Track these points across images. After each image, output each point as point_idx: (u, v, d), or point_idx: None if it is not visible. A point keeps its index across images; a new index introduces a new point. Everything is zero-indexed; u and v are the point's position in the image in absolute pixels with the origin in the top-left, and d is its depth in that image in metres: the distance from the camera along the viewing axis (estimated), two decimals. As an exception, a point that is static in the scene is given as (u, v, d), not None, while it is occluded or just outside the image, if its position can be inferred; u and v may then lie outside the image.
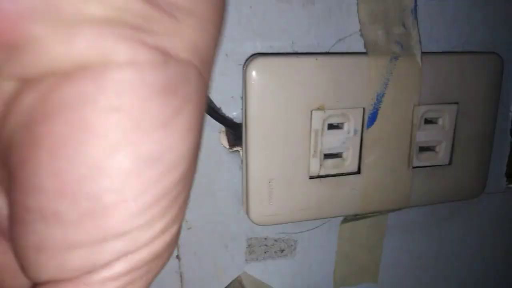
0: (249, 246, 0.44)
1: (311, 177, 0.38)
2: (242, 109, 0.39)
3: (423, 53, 0.39)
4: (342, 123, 0.37)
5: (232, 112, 0.39)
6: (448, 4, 0.39)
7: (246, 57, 0.37)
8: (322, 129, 0.36)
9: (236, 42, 0.37)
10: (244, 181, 0.38)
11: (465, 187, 0.44)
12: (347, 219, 0.45)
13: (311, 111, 0.36)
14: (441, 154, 0.41)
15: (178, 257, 0.43)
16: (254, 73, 0.34)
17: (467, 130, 0.41)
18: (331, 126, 0.37)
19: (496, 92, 0.41)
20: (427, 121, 0.40)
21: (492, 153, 0.46)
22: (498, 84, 0.40)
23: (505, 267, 0.54)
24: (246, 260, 0.45)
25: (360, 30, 0.37)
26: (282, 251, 0.45)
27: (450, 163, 0.42)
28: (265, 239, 0.44)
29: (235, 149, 0.40)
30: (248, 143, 0.36)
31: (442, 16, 0.39)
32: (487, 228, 0.51)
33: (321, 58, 0.35)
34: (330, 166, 0.38)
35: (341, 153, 0.39)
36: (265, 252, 0.45)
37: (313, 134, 0.36)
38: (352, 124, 0.37)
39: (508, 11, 0.41)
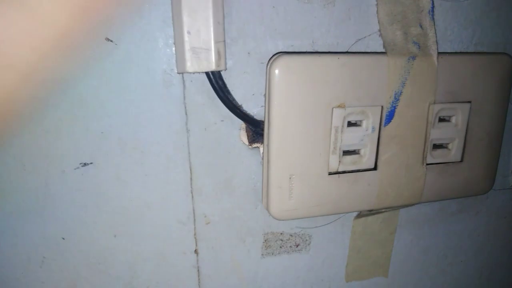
0: (265, 241, 0.45)
1: (330, 173, 0.39)
2: (263, 106, 0.39)
3: (438, 53, 0.40)
4: (361, 121, 0.38)
5: (253, 110, 0.39)
6: (462, 6, 0.40)
7: (268, 55, 0.38)
8: (342, 126, 0.37)
9: (259, 41, 0.37)
10: (265, 177, 0.39)
11: (475, 184, 0.45)
12: (360, 215, 0.47)
13: (332, 109, 0.37)
14: (454, 152, 0.42)
15: (196, 251, 0.44)
16: (277, 71, 0.35)
17: (479, 128, 0.42)
18: (350, 124, 0.38)
19: (506, 92, 0.42)
20: (441, 119, 0.41)
21: (500, 151, 0.48)
22: (508, 84, 0.42)
23: (511, 259, 0.56)
24: (262, 254, 0.46)
25: (379, 30, 0.38)
26: (297, 245, 0.46)
27: (461, 160, 0.43)
28: (281, 234, 0.45)
29: (254, 145, 0.41)
30: (271, 140, 0.37)
31: (456, 17, 0.41)
32: (493, 223, 0.52)
33: (342, 57, 0.36)
34: (349, 162, 0.39)
35: (359, 149, 0.40)
36: (280, 247, 0.46)
37: (333, 131, 0.37)
38: (370, 121, 0.38)
39: (519, 13, 0.42)
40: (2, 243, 0.40)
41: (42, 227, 0.40)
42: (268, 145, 0.37)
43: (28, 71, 0.35)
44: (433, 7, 0.37)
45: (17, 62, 0.35)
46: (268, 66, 0.36)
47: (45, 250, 0.41)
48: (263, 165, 0.40)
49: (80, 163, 0.38)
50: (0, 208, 0.39)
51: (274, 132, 0.36)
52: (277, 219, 0.40)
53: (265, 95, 0.38)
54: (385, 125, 0.39)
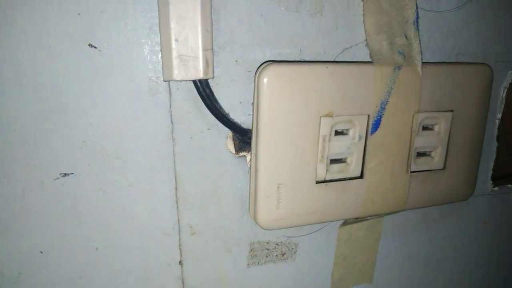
0: (251, 250, 0.45)
1: (318, 182, 0.39)
2: (250, 114, 0.39)
3: (422, 63, 0.41)
4: (348, 129, 0.39)
5: (240, 118, 0.39)
6: (444, 17, 0.41)
7: (255, 63, 0.38)
8: (330, 135, 0.37)
9: (246, 49, 0.37)
10: (253, 186, 0.38)
11: (457, 190, 0.46)
12: (345, 222, 0.47)
13: (320, 118, 0.37)
14: (437, 159, 0.43)
15: (180, 262, 0.43)
16: (266, 80, 0.35)
17: (460, 136, 0.43)
18: (337, 132, 0.39)
19: (486, 101, 0.43)
20: (424, 128, 0.42)
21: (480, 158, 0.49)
22: (488, 93, 0.43)
23: (490, 265, 0.57)
24: (248, 264, 0.45)
25: (366, 40, 0.38)
26: (283, 254, 0.46)
27: (444, 167, 0.44)
28: (267, 243, 0.45)
29: (241, 154, 0.40)
30: (259, 149, 0.36)
31: (438, 28, 0.42)
32: (474, 228, 0.54)
33: (331, 66, 0.36)
34: (336, 171, 0.39)
35: (346, 158, 0.40)
36: (266, 256, 0.46)
37: (321, 140, 0.37)
38: (357, 130, 0.38)
39: (498, 25, 0.43)
40: (-25, 258, 0.38)
41: (18, 241, 0.38)
42: (256, 154, 0.37)
43: (4, 77, 0.33)
44: (417, 18, 0.37)
45: (-7, 68, 0.33)
46: (257, 75, 0.35)
47: (21, 265, 0.39)
48: (250, 174, 0.39)
49: (60, 173, 0.37)
50: (-28, 221, 0.37)
51: (262, 141, 0.36)
52: (264, 229, 0.40)
53: (253, 103, 0.37)
54: (371, 134, 0.39)
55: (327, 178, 0.39)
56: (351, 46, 0.39)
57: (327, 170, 0.39)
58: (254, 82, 0.36)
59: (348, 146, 0.39)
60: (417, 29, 0.38)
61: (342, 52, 0.39)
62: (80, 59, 0.34)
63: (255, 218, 0.39)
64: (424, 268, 0.54)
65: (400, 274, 0.53)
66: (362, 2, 0.38)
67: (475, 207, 0.52)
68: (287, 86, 0.35)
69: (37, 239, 0.38)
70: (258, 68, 0.36)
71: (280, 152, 0.37)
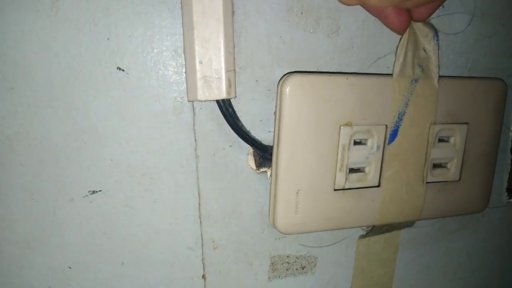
0: (272, 264, 0.45)
1: (336, 190, 0.40)
2: (270, 131, 0.40)
3: (438, 76, 0.42)
4: (366, 139, 0.40)
5: (261, 135, 0.40)
6: (457, 34, 0.43)
7: (275, 83, 0.39)
8: (349, 144, 0.38)
9: (266, 69, 0.39)
10: (273, 192, 0.39)
11: (472, 202, 0.47)
12: (363, 235, 0.47)
13: (340, 127, 0.38)
14: (452, 171, 0.44)
15: (203, 276, 0.44)
16: (288, 89, 0.36)
17: (475, 149, 0.44)
18: (355, 142, 0.40)
19: (500, 113, 0.44)
20: (440, 140, 0.43)
21: (495, 169, 0.50)
22: (502, 107, 0.44)
23: (506, 276, 0.57)
24: (269, 278, 0.46)
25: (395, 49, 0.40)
26: (303, 268, 0.47)
27: (459, 179, 0.45)
28: (288, 256, 0.46)
29: (262, 170, 0.41)
30: (279, 154, 0.37)
31: (451, 46, 0.43)
32: (490, 240, 0.54)
33: (351, 78, 0.37)
34: (354, 180, 0.40)
35: (364, 167, 0.41)
36: (287, 270, 0.46)
37: (340, 149, 0.38)
38: (375, 140, 0.39)
39: (509, 41, 0.45)
40: (6, 274, 0.39)
41: (48, 256, 0.39)
42: (277, 161, 0.38)
43: (39, 99, 0.35)
44: (436, 32, 0.39)
45: (27, 90, 0.35)
46: (279, 85, 0.37)
47: (51, 280, 0.40)
48: (270, 183, 0.40)
49: (89, 191, 0.38)
50: (5, 238, 0.38)
51: (283, 147, 0.37)
52: (282, 233, 0.40)
53: (275, 113, 0.39)
54: (388, 144, 0.40)
55: (346, 187, 0.40)
56: (367, 66, 0.41)
57: (346, 179, 0.40)
58: (277, 92, 0.37)
59: (367, 156, 0.40)
60: (437, 43, 0.39)
61: (357, 71, 0.41)
62: (109, 81, 0.36)
63: (273, 223, 0.40)
64: (441, 280, 0.54)
65: (417, 285, 0.53)
66: (375, 22, 0.40)
67: (491, 219, 0.53)
68: (308, 95, 0.36)
69: (66, 254, 0.40)
70: (280, 79, 0.38)
71: (300, 159, 0.38)
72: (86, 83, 0.36)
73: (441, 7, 0.41)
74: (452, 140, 0.43)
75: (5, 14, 0.33)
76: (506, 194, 0.51)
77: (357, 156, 0.39)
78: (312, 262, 0.47)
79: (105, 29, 0.35)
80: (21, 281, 0.40)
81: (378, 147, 0.40)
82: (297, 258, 0.46)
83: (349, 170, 0.40)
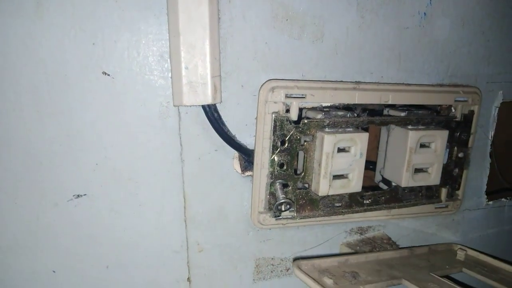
0: (257, 266, 0.46)
1: (322, 197, 0.41)
2: (255, 136, 0.41)
3: (418, 84, 0.43)
4: (349, 147, 0.40)
5: (246, 139, 0.41)
6: (438, 41, 0.44)
7: (259, 88, 0.39)
8: (333, 152, 0.39)
9: (251, 74, 0.39)
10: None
11: (451, 204, 0.48)
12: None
13: (324, 136, 0.38)
14: (433, 175, 0.45)
15: (189, 279, 0.44)
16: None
17: (454, 153, 0.46)
18: (339, 150, 0.40)
19: (477, 120, 0.46)
20: (422, 146, 0.44)
21: (474, 173, 0.51)
22: (478, 113, 0.45)
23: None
24: (253, 280, 0.46)
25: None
26: (287, 269, 0.47)
27: (440, 183, 0.46)
28: (272, 259, 0.46)
29: (247, 173, 0.42)
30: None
31: (433, 52, 0.44)
32: (470, 241, 0.55)
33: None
34: (338, 186, 0.41)
35: (347, 174, 0.41)
36: (271, 272, 0.47)
37: (324, 157, 0.39)
38: (358, 147, 0.40)
39: (488, 49, 0.46)
40: (-11, 278, 0.39)
41: (32, 261, 0.39)
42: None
43: (23, 103, 0.35)
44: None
45: (11, 94, 0.35)
46: (259, 90, 0.38)
47: (35, 285, 0.40)
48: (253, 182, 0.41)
49: (74, 195, 0.38)
50: (-12, 242, 0.38)
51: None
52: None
53: (256, 118, 0.39)
54: (371, 153, 0.41)
55: (330, 193, 0.41)
56: (352, 72, 0.42)
57: (330, 185, 0.40)
58: (258, 97, 0.38)
59: (350, 163, 0.41)
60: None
61: (342, 76, 0.42)
62: (95, 86, 0.36)
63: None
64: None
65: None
66: (359, 29, 0.41)
67: (470, 220, 0.54)
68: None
69: (50, 258, 0.40)
70: (262, 85, 0.38)
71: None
72: (71, 88, 0.36)
73: (423, 15, 0.42)
74: (433, 146, 0.44)
75: (-11, 18, 0.33)
76: (485, 197, 0.53)
77: (340, 163, 0.40)
78: (296, 264, 0.47)
79: (91, 34, 0.35)
80: (4, 286, 0.39)
81: (361, 154, 0.41)
82: (282, 260, 0.47)
83: (333, 177, 0.41)
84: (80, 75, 0.36)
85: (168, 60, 0.37)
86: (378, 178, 0.49)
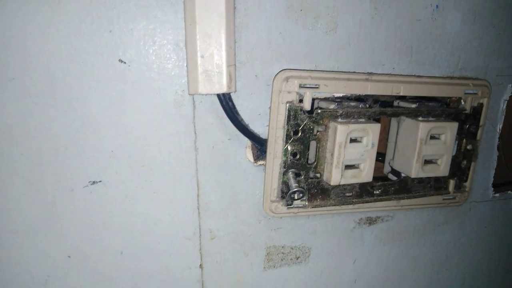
0: (267, 254, 0.47)
1: (333, 187, 0.41)
2: (268, 125, 0.41)
3: (428, 76, 0.44)
4: (362, 137, 0.41)
5: (259, 129, 0.41)
6: (449, 34, 0.44)
7: (273, 78, 0.40)
8: (345, 142, 0.40)
9: (265, 64, 0.39)
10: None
11: (458, 195, 0.49)
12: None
13: (337, 126, 0.39)
14: (442, 166, 0.45)
15: (201, 266, 0.45)
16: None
17: (463, 145, 0.46)
18: (351, 140, 0.41)
19: (485, 112, 0.46)
20: (432, 137, 0.44)
21: (481, 166, 0.52)
22: (487, 106, 0.46)
23: (490, 266, 0.60)
24: (264, 267, 0.47)
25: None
26: (297, 258, 0.48)
27: (448, 174, 0.46)
28: (283, 247, 0.47)
29: (259, 163, 0.42)
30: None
31: (444, 45, 0.44)
32: (475, 233, 0.56)
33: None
34: (350, 176, 0.41)
35: (359, 164, 0.42)
36: (282, 260, 0.48)
37: (336, 147, 0.39)
38: (370, 138, 0.41)
39: (499, 42, 0.46)
40: (6, 262, 0.39)
41: (47, 245, 0.40)
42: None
43: (39, 90, 0.35)
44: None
45: (27, 80, 0.35)
46: (273, 80, 0.38)
47: (50, 269, 0.41)
48: (266, 172, 0.41)
49: (89, 181, 0.39)
50: (5, 227, 0.38)
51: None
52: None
53: (270, 107, 0.40)
54: (382, 144, 0.41)
55: (342, 183, 0.41)
56: (364, 63, 0.42)
57: (341, 175, 0.41)
58: (272, 87, 0.38)
59: (362, 153, 0.41)
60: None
61: (354, 67, 0.42)
62: (111, 73, 0.36)
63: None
64: (429, 271, 0.56)
65: (406, 276, 0.55)
66: (372, 21, 0.41)
67: (477, 212, 0.55)
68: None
69: (66, 244, 0.40)
70: (276, 75, 0.39)
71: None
72: (87, 75, 0.36)
73: (435, 7, 0.43)
74: (442, 137, 0.45)
75: (7, 4, 0.33)
76: (492, 189, 0.53)
77: (352, 153, 0.40)
78: (306, 252, 0.48)
79: (108, 22, 0.35)
80: (20, 269, 0.40)
81: (373, 144, 0.41)
82: (292, 248, 0.47)
83: (345, 167, 0.41)
84: (96, 62, 0.36)
85: (184, 48, 0.37)
86: (387, 169, 0.49)
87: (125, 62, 0.37)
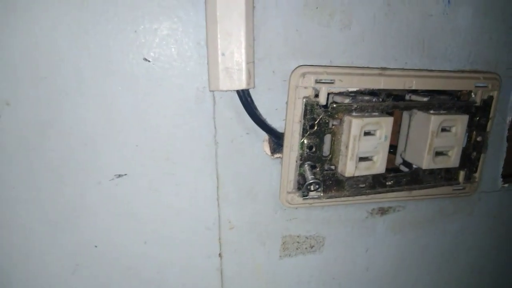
0: (283, 243, 0.49)
1: (348, 178, 0.43)
2: (285, 120, 0.43)
3: (440, 70, 0.45)
4: (375, 130, 0.42)
5: (276, 123, 0.43)
6: (460, 28, 0.45)
7: (290, 74, 0.41)
8: (360, 135, 0.41)
9: (282, 60, 0.41)
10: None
11: (468, 186, 0.50)
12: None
13: (351, 120, 0.40)
14: (453, 158, 0.47)
15: (220, 255, 0.47)
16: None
17: (473, 137, 0.47)
18: (365, 133, 0.42)
19: (495, 105, 0.47)
20: (443, 130, 0.46)
21: (491, 157, 0.53)
22: (497, 99, 0.47)
23: (499, 255, 0.61)
24: (280, 256, 0.49)
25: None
26: (312, 247, 0.50)
27: (459, 165, 0.48)
28: (298, 236, 0.49)
29: (276, 156, 0.44)
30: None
31: (455, 39, 0.45)
32: (484, 223, 0.58)
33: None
34: (363, 168, 0.43)
35: (372, 156, 0.43)
36: (297, 249, 0.50)
37: (351, 140, 0.41)
38: (383, 131, 0.42)
39: (509, 36, 0.47)
40: (37, 251, 0.42)
41: (76, 236, 0.42)
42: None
43: (69, 88, 0.37)
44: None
45: (58, 79, 0.37)
46: (290, 76, 0.40)
47: (78, 258, 0.43)
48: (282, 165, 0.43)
49: (115, 175, 0.41)
50: (36, 218, 0.41)
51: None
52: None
53: (287, 102, 0.41)
54: (395, 136, 0.43)
55: (356, 174, 0.43)
56: (377, 58, 0.43)
57: (356, 167, 0.42)
58: (288, 82, 0.40)
59: (375, 146, 0.42)
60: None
61: (368, 63, 0.43)
62: (136, 71, 0.38)
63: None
64: (439, 259, 0.58)
65: (416, 265, 0.57)
66: (385, 17, 0.42)
67: (486, 203, 0.56)
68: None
69: (93, 234, 0.42)
70: (293, 71, 0.40)
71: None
72: (114, 73, 0.38)
73: (447, 3, 0.44)
74: (453, 129, 0.46)
75: (38, 6, 0.35)
76: (501, 179, 0.55)
77: (366, 146, 0.42)
78: (320, 241, 0.50)
79: (133, 22, 0.37)
80: (51, 258, 0.42)
81: (386, 137, 0.42)
82: (307, 238, 0.49)
83: (359, 159, 0.43)
84: (122, 61, 0.38)
85: (205, 46, 0.39)
86: (398, 160, 0.51)
87: (149, 61, 0.38)
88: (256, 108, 0.41)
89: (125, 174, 0.41)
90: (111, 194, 0.41)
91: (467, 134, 0.48)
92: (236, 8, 0.36)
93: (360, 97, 0.42)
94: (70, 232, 0.42)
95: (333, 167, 0.44)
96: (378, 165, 0.44)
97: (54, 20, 0.35)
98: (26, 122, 0.37)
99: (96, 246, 0.43)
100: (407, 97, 0.47)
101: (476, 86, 0.47)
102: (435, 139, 0.45)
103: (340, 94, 0.43)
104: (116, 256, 0.44)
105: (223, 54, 0.37)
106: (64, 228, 0.42)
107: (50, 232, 0.41)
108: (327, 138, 0.43)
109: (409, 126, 0.47)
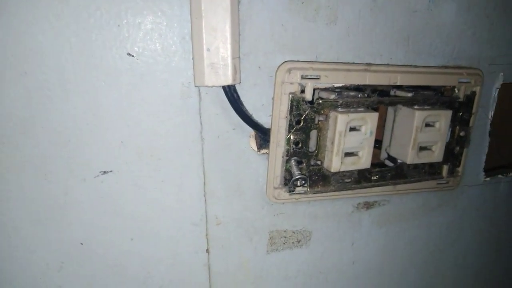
0: (270, 238, 0.49)
1: (333, 173, 0.43)
2: (271, 115, 0.43)
3: (424, 66, 0.45)
4: (360, 126, 0.43)
5: (262, 119, 0.43)
6: (445, 24, 0.46)
7: (276, 69, 0.41)
8: (345, 130, 0.41)
9: (268, 55, 0.41)
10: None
11: (451, 180, 0.51)
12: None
13: (337, 115, 0.41)
14: (437, 153, 0.48)
15: (207, 251, 0.47)
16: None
17: (456, 132, 0.48)
18: (350, 129, 0.43)
19: (478, 100, 0.48)
20: (427, 125, 0.46)
21: (473, 151, 0.54)
22: (479, 94, 0.48)
23: (482, 247, 0.63)
24: (267, 251, 0.49)
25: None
26: (298, 241, 0.50)
27: (442, 160, 0.48)
28: (285, 231, 0.49)
29: (263, 151, 0.44)
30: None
31: (439, 35, 0.46)
32: (468, 215, 0.59)
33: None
34: (349, 163, 0.43)
35: (358, 151, 0.44)
36: (284, 243, 0.50)
37: (337, 135, 0.41)
38: (369, 126, 0.42)
39: (492, 32, 0.48)
40: (21, 249, 0.41)
41: (61, 233, 0.42)
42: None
43: (51, 83, 0.37)
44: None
45: (39, 74, 0.36)
46: (276, 72, 0.40)
47: (64, 255, 0.42)
48: (269, 161, 0.43)
49: (100, 171, 0.40)
50: (19, 216, 0.40)
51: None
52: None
53: (273, 98, 0.41)
54: (380, 131, 0.43)
55: (342, 170, 0.43)
56: (363, 54, 0.43)
57: (341, 162, 0.43)
58: (274, 78, 0.40)
59: (361, 141, 0.43)
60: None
61: (354, 58, 0.43)
62: (119, 66, 0.38)
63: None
64: (424, 252, 0.59)
65: (402, 257, 0.58)
66: (371, 12, 0.42)
67: (469, 196, 0.57)
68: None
69: (78, 231, 0.42)
70: (279, 66, 0.40)
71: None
72: (96, 68, 0.37)
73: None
74: (437, 125, 0.46)
75: (19, 0, 0.34)
76: (483, 173, 0.56)
77: (351, 141, 0.42)
78: (307, 236, 0.50)
79: (116, 16, 0.36)
80: (36, 256, 0.42)
81: (371, 132, 0.43)
82: (294, 232, 0.50)
83: (344, 154, 0.43)
84: (105, 55, 0.37)
85: (190, 41, 0.39)
86: (383, 155, 0.51)
87: (133, 56, 0.38)
88: (242, 104, 0.41)
89: (110, 171, 0.41)
90: (97, 191, 0.41)
91: (450, 129, 0.49)
92: (221, 2, 0.36)
93: (345, 93, 0.42)
94: (55, 230, 0.41)
95: (319, 162, 0.44)
96: (364, 160, 0.44)
97: (35, 13, 0.34)
98: (7, 119, 0.37)
99: (81, 244, 0.42)
100: (392, 92, 0.47)
101: (460, 82, 0.47)
102: (419, 134, 0.45)
103: (326, 89, 0.43)
104: (102, 253, 0.43)
105: (208, 50, 0.37)
106: (49, 226, 0.41)
107: (34, 230, 0.41)
108: (313, 133, 0.43)
109: (394, 121, 0.48)
